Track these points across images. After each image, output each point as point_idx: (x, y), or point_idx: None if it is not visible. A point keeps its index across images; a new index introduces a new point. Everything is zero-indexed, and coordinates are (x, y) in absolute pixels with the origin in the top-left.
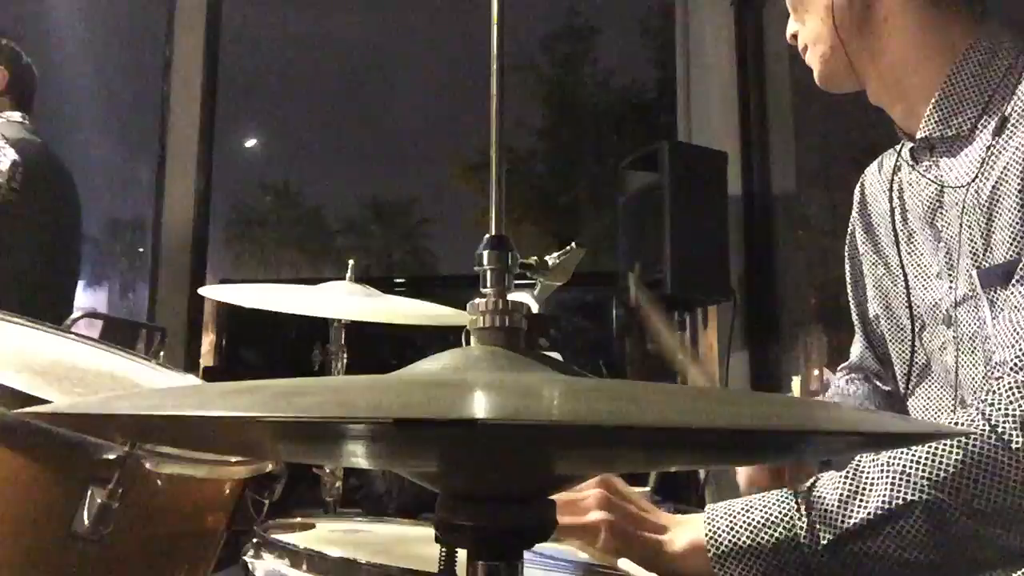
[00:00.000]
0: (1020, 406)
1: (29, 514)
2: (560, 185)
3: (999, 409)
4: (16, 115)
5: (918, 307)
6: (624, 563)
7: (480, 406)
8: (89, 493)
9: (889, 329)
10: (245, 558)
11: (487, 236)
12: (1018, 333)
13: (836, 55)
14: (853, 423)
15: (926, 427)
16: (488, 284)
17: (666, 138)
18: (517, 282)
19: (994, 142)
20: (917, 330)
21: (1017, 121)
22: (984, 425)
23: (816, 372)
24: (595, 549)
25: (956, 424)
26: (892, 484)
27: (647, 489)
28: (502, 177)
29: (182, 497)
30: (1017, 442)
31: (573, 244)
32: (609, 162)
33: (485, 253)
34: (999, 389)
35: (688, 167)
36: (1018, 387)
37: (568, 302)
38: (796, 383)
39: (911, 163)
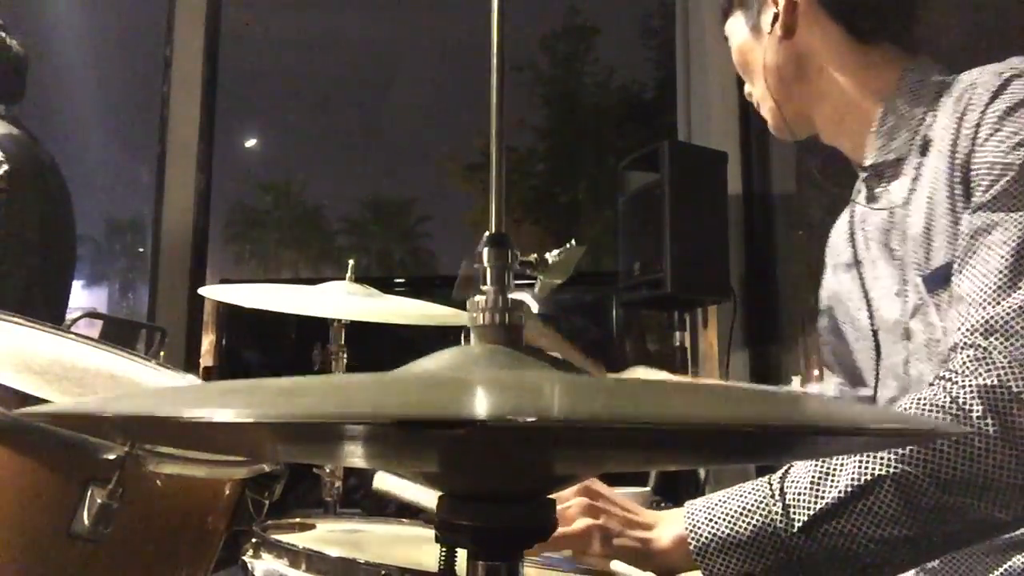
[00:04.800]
0: (976, 377)
1: (29, 514)
2: (560, 185)
3: (958, 383)
4: None
5: (880, 327)
6: (617, 565)
7: (480, 405)
8: (89, 493)
9: (859, 351)
10: (245, 558)
11: (487, 234)
12: (963, 317)
13: (781, 109)
14: (858, 420)
15: (929, 423)
16: (488, 282)
17: (666, 138)
18: (517, 282)
19: (921, 160)
20: (881, 353)
21: (941, 136)
22: (946, 398)
23: (816, 372)
24: (587, 556)
25: (922, 399)
26: (860, 461)
27: (647, 489)
28: (502, 176)
29: (182, 497)
30: (977, 411)
31: (573, 241)
32: (609, 162)
33: (485, 251)
34: (956, 366)
35: (688, 167)
36: (971, 361)
37: (568, 302)
38: (796, 383)
39: (866, 193)
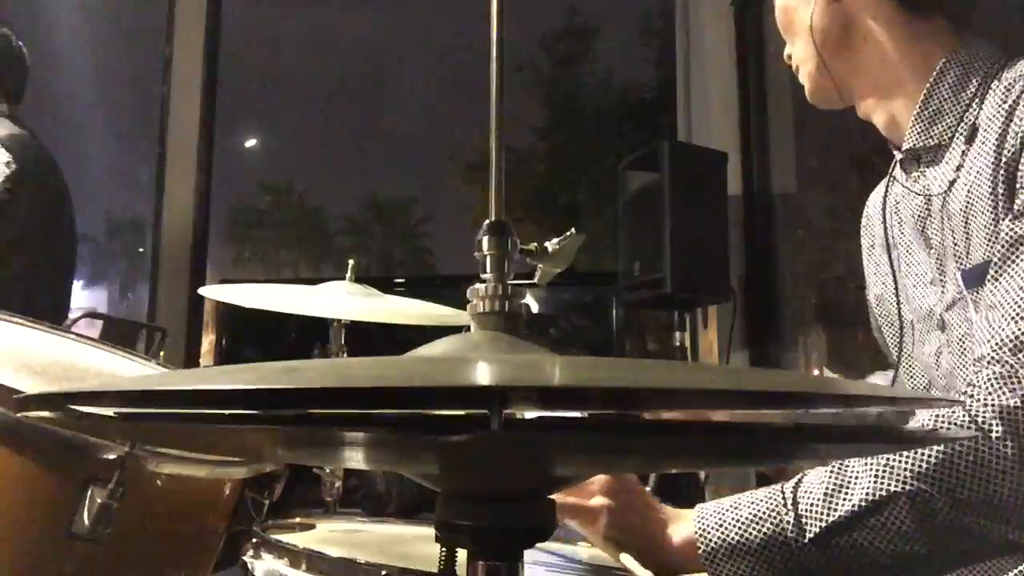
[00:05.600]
0: (999, 397)
1: (29, 514)
2: (560, 185)
3: (979, 400)
4: (2, 107)
5: (913, 316)
6: (626, 559)
7: (483, 374)
8: (89, 493)
9: (889, 336)
10: (245, 558)
11: (487, 222)
12: (993, 328)
13: (821, 74)
14: (856, 388)
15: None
16: (488, 270)
17: (666, 138)
18: (517, 282)
19: (966, 148)
20: (910, 339)
21: (987, 127)
22: (964, 416)
23: (816, 372)
24: (593, 532)
25: (942, 415)
26: (876, 476)
27: (646, 489)
28: (502, 164)
29: (182, 497)
30: (997, 431)
31: (572, 230)
32: (609, 162)
33: (485, 239)
34: (978, 382)
35: (688, 167)
36: (996, 379)
37: (568, 302)
38: None
39: (902, 175)
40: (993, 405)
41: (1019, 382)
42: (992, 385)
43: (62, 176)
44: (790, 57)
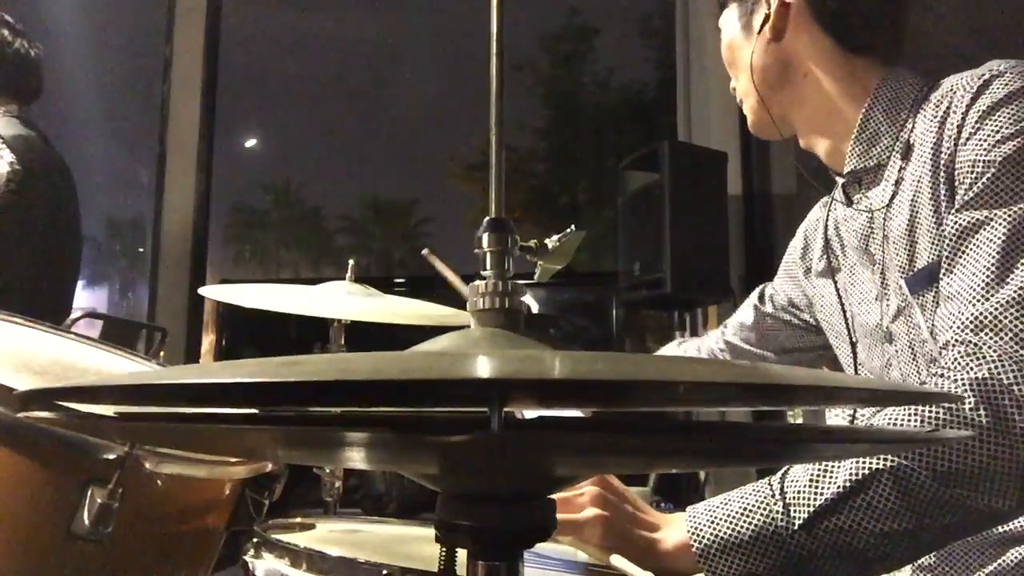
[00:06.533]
0: (968, 372)
1: (29, 514)
2: (560, 185)
3: (949, 378)
4: (12, 108)
5: (861, 332)
6: (617, 560)
7: (483, 367)
8: (89, 493)
9: (843, 357)
10: (245, 558)
11: (487, 219)
12: (952, 316)
13: (761, 108)
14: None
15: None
16: (488, 267)
17: (666, 138)
18: (517, 281)
19: (904, 164)
20: (864, 355)
21: (922, 141)
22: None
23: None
24: (589, 545)
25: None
26: (858, 457)
27: (646, 489)
28: (502, 161)
29: (182, 497)
30: (969, 403)
31: (573, 227)
32: (609, 162)
33: (485, 235)
34: (947, 362)
35: (688, 167)
36: (962, 356)
37: (568, 302)
38: None
39: (843, 199)
40: (962, 380)
41: (984, 357)
42: (959, 363)
43: (71, 179)
44: (735, 90)
